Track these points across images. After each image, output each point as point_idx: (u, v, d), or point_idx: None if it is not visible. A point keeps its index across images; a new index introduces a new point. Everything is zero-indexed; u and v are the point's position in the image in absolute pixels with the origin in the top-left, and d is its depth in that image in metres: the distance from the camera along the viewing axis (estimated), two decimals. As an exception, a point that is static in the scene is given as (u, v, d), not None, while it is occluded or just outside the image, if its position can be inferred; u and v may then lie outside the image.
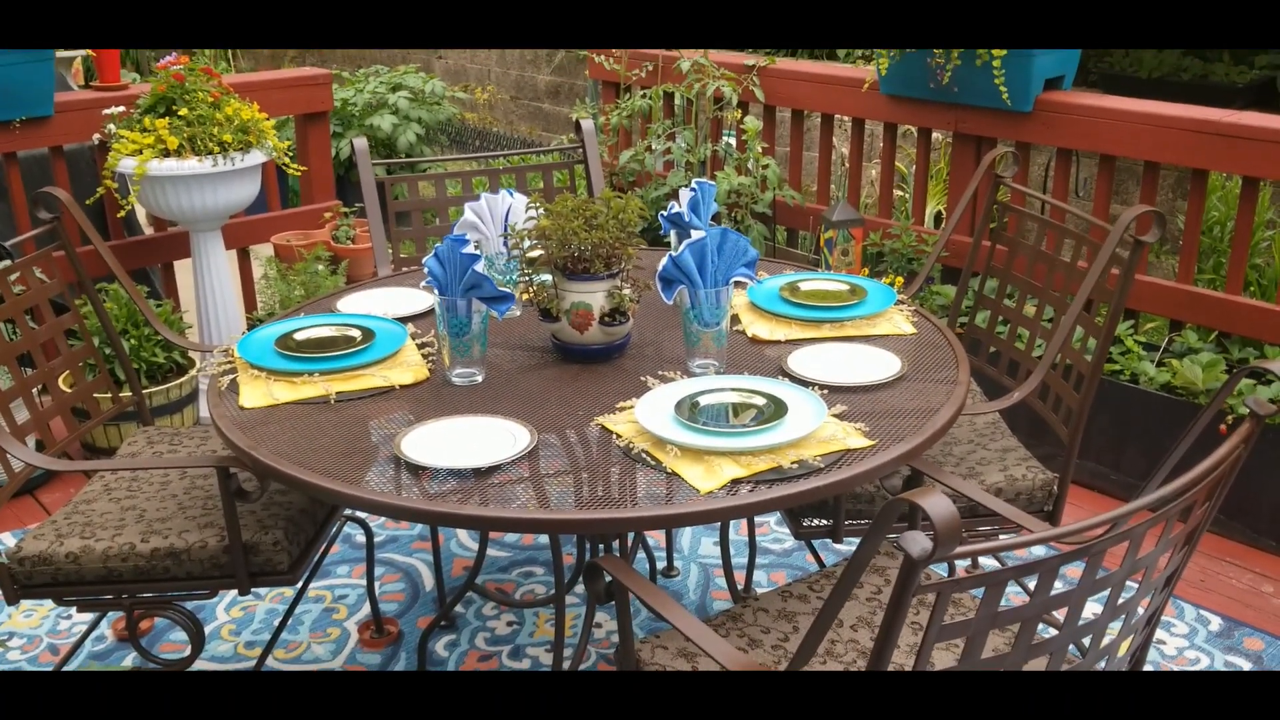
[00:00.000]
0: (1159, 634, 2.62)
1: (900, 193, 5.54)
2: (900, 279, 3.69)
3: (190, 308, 3.85)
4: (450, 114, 6.89)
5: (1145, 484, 1.89)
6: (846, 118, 4.10)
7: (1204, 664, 2.53)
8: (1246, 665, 2.52)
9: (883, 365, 2.04)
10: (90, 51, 3.67)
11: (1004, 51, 3.25)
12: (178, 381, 3.36)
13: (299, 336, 2.12)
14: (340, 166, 6.08)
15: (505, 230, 2.28)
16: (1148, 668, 2.51)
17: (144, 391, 3.22)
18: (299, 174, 3.76)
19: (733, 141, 4.37)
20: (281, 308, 3.65)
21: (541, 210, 2.11)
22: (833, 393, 1.92)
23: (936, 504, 1.03)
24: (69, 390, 2.45)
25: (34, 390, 2.26)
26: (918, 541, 1.06)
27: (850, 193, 4.12)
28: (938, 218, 5.38)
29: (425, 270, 1.97)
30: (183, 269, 3.89)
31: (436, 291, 1.96)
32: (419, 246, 2.95)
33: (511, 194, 2.34)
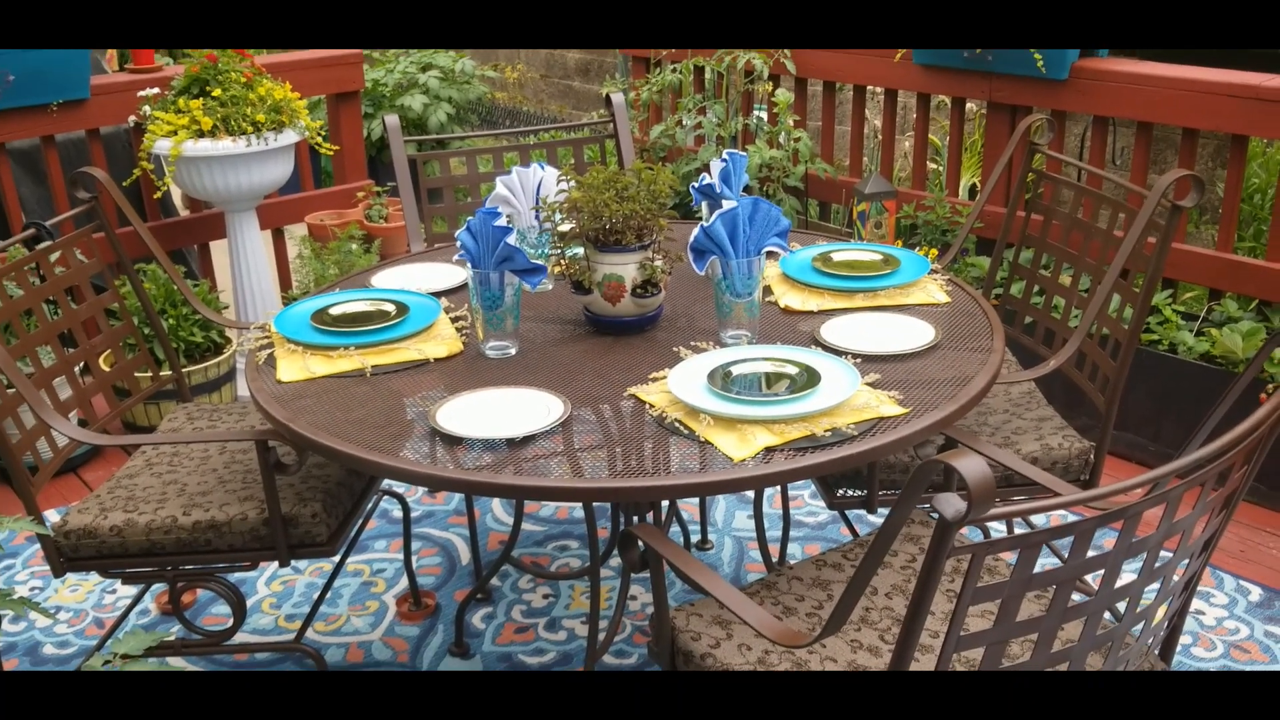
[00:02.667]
0: (1198, 604, 2.60)
1: (934, 165, 5.49)
2: (934, 251, 3.67)
3: (226, 287, 3.89)
4: (480, 93, 6.89)
5: (1182, 449, 1.87)
6: (879, 89, 4.07)
7: (1243, 634, 2.51)
8: (1287, 635, 2.50)
9: (916, 334, 2.03)
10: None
11: (1039, 18, 3.20)
12: (216, 360, 3.40)
13: (334, 311, 2.14)
14: (372, 147, 6.10)
15: (537, 203, 2.28)
16: (1185, 637, 2.49)
17: (183, 370, 3.27)
18: (331, 153, 3.78)
19: (764, 115, 4.35)
20: (316, 286, 3.68)
21: (573, 183, 2.11)
22: (866, 362, 1.92)
23: (970, 464, 1.02)
24: (109, 369, 2.49)
25: (75, 369, 2.30)
26: (951, 503, 1.05)
27: (883, 165, 4.09)
28: (972, 190, 5.32)
29: (458, 244, 1.98)
30: (218, 249, 3.93)
31: (469, 265, 1.97)
32: (451, 223, 2.96)
33: (543, 167, 2.35)
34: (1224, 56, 4.96)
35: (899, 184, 4.75)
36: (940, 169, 5.33)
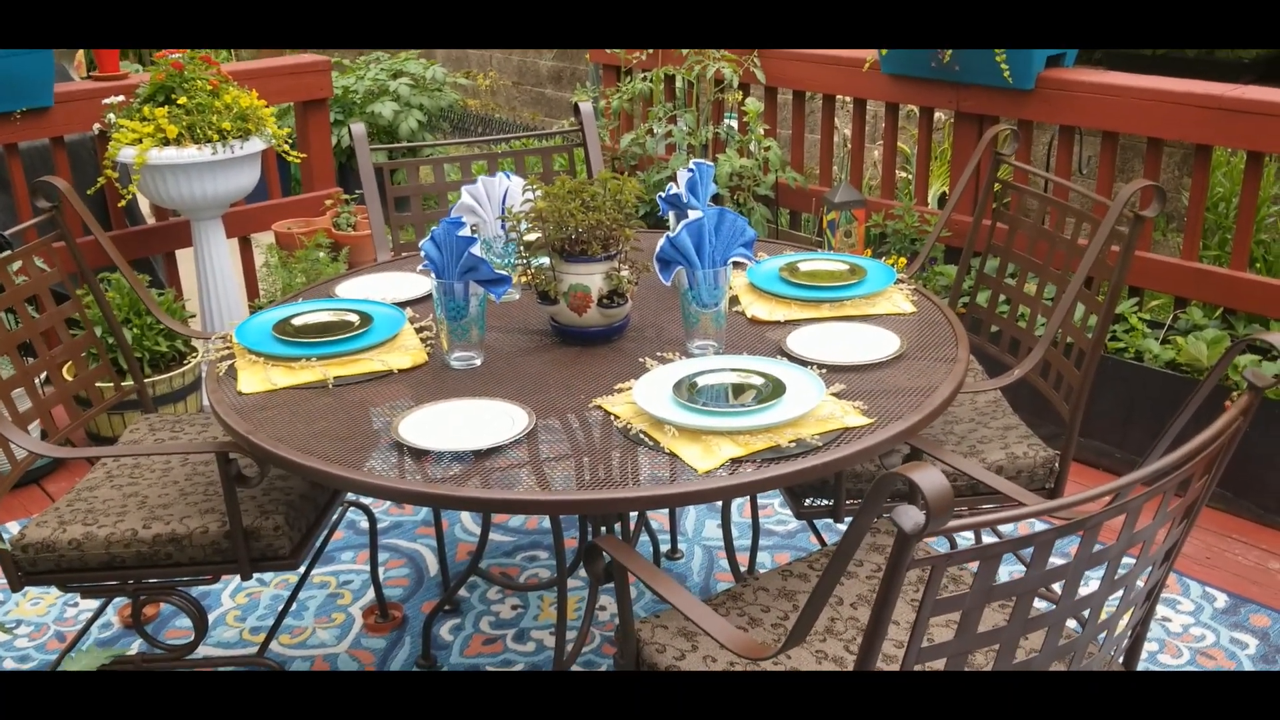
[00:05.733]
0: (1165, 610, 2.62)
1: (904, 173, 5.51)
2: (903, 259, 3.68)
3: (193, 296, 3.85)
4: (452, 100, 6.87)
5: (1145, 457, 1.88)
6: (848, 98, 4.09)
7: (1209, 640, 2.53)
8: (1253, 642, 2.52)
9: (882, 344, 2.03)
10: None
11: (1005, 28, 3.22)
12: (180, 370, 3.36)
13: (297, 322, 2.12)
14: (341, 154, 6.07)
15: (503, 213, 2.27)
16: (1152, 644, 2.50)
17: (146, 380, 3.23)
18: (299, 161, 3.76)
19: (734, 124, 4.36)
20: (283, 295, 3.65)
21: (538, 192, 2.10)
22: (831, 372, 1.92)
23: (927, 477, 1.02)
24: (71, 379, 2.46)
25: (37, 379, 2.26)
26: (910, 516, 1.05)
27: (853, 174, 4.10)
28: (941, 198, 5.35)
29: (422, 254, 1.97)
30: (184, 258, 3.89)
31: (433, 275, 1.96)
32: (419, 232, 2.94)
33: (509, 176, 2.34)
34: (1189, 64, 5.03)
35: (869, 192, 4.76)
36: (910, 176, 5.36)
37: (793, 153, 4.27)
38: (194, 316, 3.74)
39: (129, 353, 2.54)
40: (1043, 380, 2.32)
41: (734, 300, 2.28)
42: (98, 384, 2.45)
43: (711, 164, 2.37)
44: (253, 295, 4.05)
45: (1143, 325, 3.16)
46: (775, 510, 3.10)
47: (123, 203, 3.48)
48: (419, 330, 2.15)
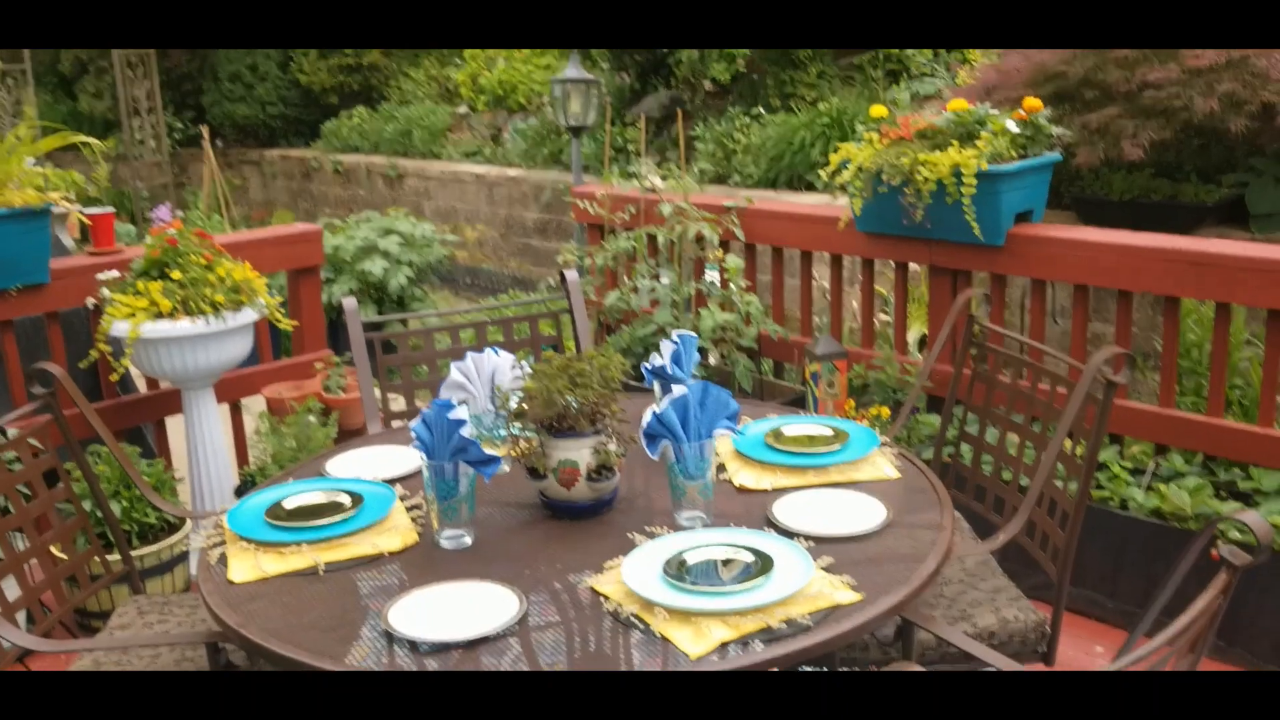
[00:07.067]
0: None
1: (885, 316, 5.63)
2: (886, 410, 3.73)
3: (183, 463, 3.86)
4: (441, 255, 7.03)
5: (1133, 631, 1.89)
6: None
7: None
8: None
9: (868, 513, 2.05)
10: (86, 219, 3.76)
11: (973, 189, 3.35)
12: (169, 541, 3.35)
13: (289, 504, 2.13)
14: (332, 311, 6.17)
15: (492, 390, 2.32)
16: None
17: (136, 553, 3.22)
18: (291, 328, 3.82)
19: (716, 279, 4.46)
20: (274, 461, 3.67)
21: (528, 368, 2.16)
22: (819, 544, 1.94)
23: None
24: (60, 555, 2.46)
25: (26, 566, 2.26)
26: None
27: (833, 324, 4.19)
28: (922, 341, 5.45)
29: (413, 435, 2.00)
30: (174, 424, 3.92)
31: (424, 455, 1.99)
32: (408, 400, 2.99)
33: (497, 352, 2.39)
34: (1154, 207, 5.20)
35: (850, 336, 4.85)
36: (889, 318, 5.47)
37: (774, 303, 4.36)
38: (183, 480, 3.75)
39: (118, 531, 2.55)
40: (1029, 540, 2.35)
41: (721, 468, 2.31)
42: (86, 567, 2.44)
43: (694, 334, 2.43)
44: (243, 462, 4.06)
45: (1125, 473, 3.19)
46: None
47: (115, 377, 3.52)
48: (410, 509, 2.16)
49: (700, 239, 4.27)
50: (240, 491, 3.68)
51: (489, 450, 2.04)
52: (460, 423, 1.96)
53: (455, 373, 2.35)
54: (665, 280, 4.43)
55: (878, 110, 3.75)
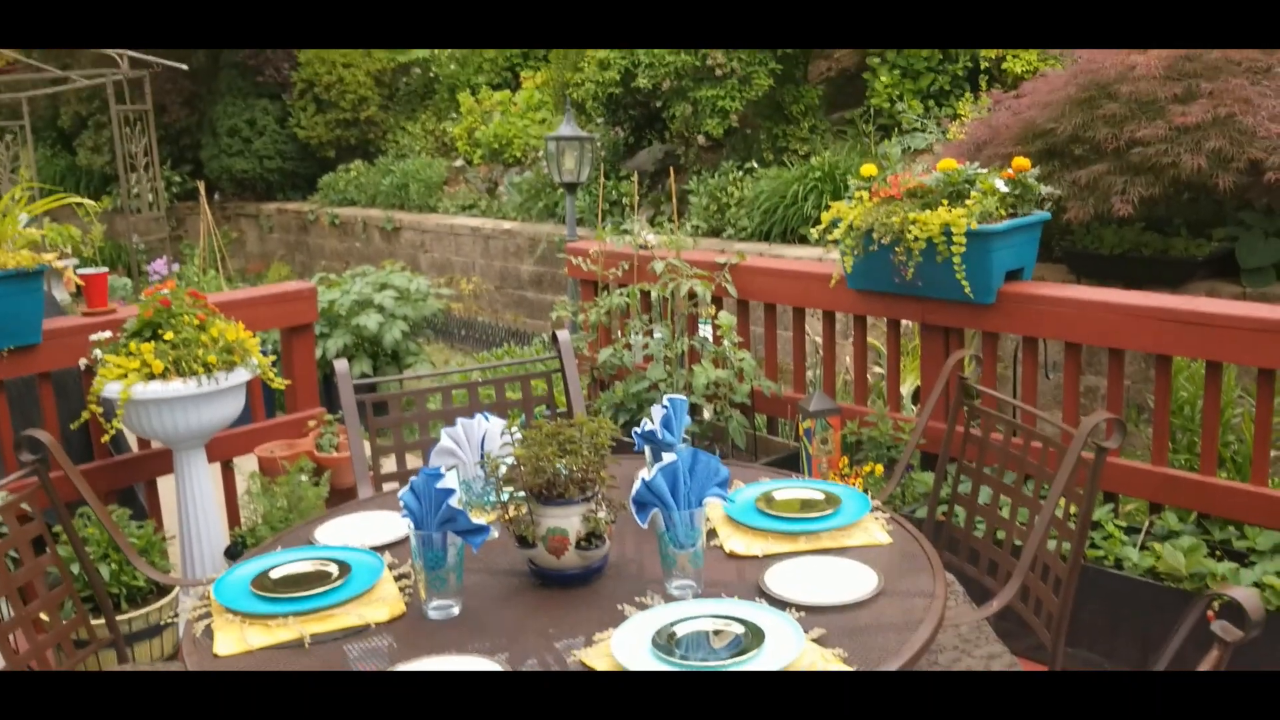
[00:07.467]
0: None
1: (878, 368, 5.64)
2: (880, 467, 3.73)
3: (174, 522, 3.84)
4: (436, 309, 7.05)
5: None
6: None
7: None
8: None
9: (860, 581, 2.04)
10: (80, 280, 3.77)
11: (963, 248, 3.37)
12: (158, 605, 3.32)
13: (275, 574, 2.12)
14: (326, 365, 6.17)
15: (482, 456, 2.31)
16: None
17: (124, 617, 3.19)
18: (283, 387, 3.82)
19: (709, 334, 4.47)
20: (264, 522, 3.65)
21: (518, 434, 2.15)
22: (810, 614, 1.92)
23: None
24: (48, 621, 2.43)
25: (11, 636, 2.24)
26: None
27: (825, 381, 4.19)
28: (915, 393, 5.45)
29: (401, 503, 1.99)
30: (166, 483, 3.90)
31: (412, 525, 1.98)
32: (399, 461, 2.98)
33: (487, 418, 2.39)
34: (1145, 262, 5.22)
35: (843, 390, 4.86)
36: (883, 370, 5.48)
37: (767, 356, 4.37)
38: (173, 538, 3.72)
39: (104, 599, 2.52)
40: (1023, 605, 2.33)
41: (712, 533, 2.30)
42: (72, 636, 2.41)
43: (684, 398, 2.43)
44: (234, 522, 4.04)
45: (1119, 532, 3.18)
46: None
47: (106, 438, 3.51)
48: (398, 578, 2.15)
49: (693, 295, 4.28)
50: (230, 552, 3.66)
51: (478, 517, 2.03)
52: (449, 492, 1.95)
53: (445, 439, 2.35)
54: (659, 335, 4.44)
55: (868, 169, 3.78)
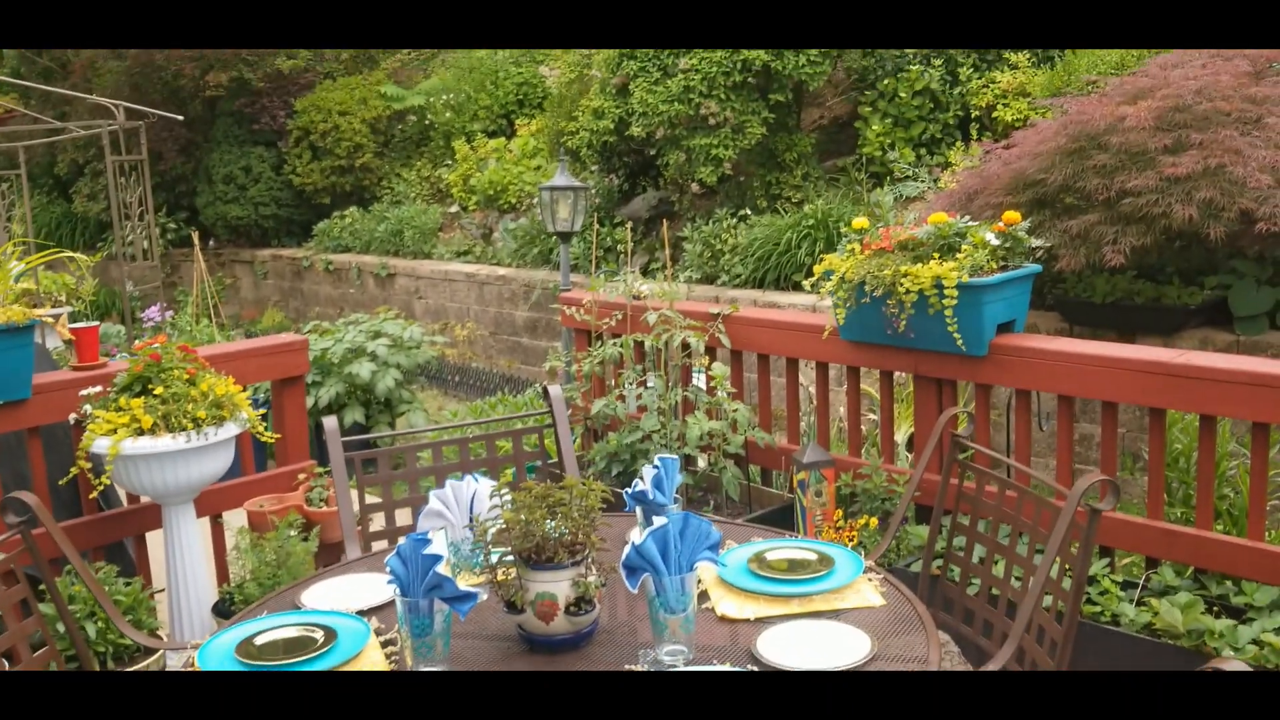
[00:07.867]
0: None
1: (872, 415, 5.62)
2: (874, 520, 3.70)
3: (162, 578, 3.80)
4: (429, 357, 7.04)
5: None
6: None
7: None
8: None
9: (853, 646, 2.01)
10: (70, 334, 3.76)
11: (955, 301, 3.37)
12: (145, 664, 3.27)
13: (260, 640, 2.09)
14: (318, 413, 6.15)
15: (471, 519, 2.29)
16: None
17: (109, 677, 3.14)
18: (273, 440, 3.80)
19: (703, 385, 4.46)
20: (253, 578, 3.61)
21: (506, 496, 2.13)
22: (802, 681, 1.89)
23: None
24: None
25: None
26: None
27: (819, 431, 4.18)
28: (910, 440, 5.43)
29: (388, 569, 1.97)
30: (154, 539, 3.86)
31: (398, 591, 1.95)
32: (388, 519, 2.95)
33: (477, 479, 2.37)
34: (1137, 310, 5.23)
35: (837, 437, 4.83)
36: (876, 418, 5.46)
37: (760, 403, 4.35)
38: (162, 592, 3.68)
39: (88, 661, 2.49)
40: (1018, 666, 2.30)
41: (704, 595, 2.27)
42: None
43: (675, 459, 2.42)
44: (223, 579, 4.00)
45: (1115, 587, 3.15)
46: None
47: (94, 494, 3.48)
48: (384, 644, 2.12)
49: (686, 346, 4.28)
50: (219, 609, 3.62)
51: (467, 580, 2.01)
52: (436, 558, 1.93)
53: (434, 501, 2.33)
54: (652, 385, 4.43)
55: (859, 223, 3.79)
